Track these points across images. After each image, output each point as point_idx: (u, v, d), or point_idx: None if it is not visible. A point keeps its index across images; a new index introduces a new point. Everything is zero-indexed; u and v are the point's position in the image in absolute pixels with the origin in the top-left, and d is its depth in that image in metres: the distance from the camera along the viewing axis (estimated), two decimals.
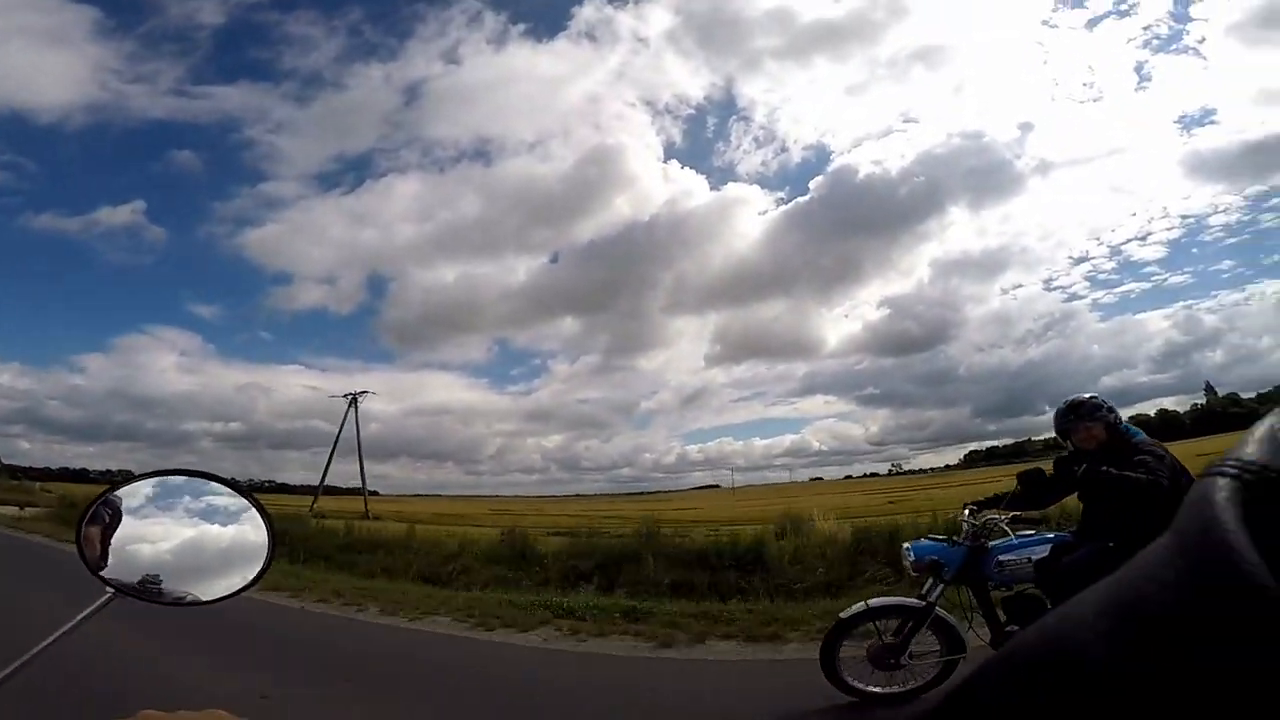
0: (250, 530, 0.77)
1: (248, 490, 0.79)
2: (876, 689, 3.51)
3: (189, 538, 0.76)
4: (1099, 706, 0.19)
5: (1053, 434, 3.75)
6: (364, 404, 31.77)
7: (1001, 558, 3.40)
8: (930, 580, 3.50)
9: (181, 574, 0.75)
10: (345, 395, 30.09)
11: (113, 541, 0.73)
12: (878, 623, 3.54)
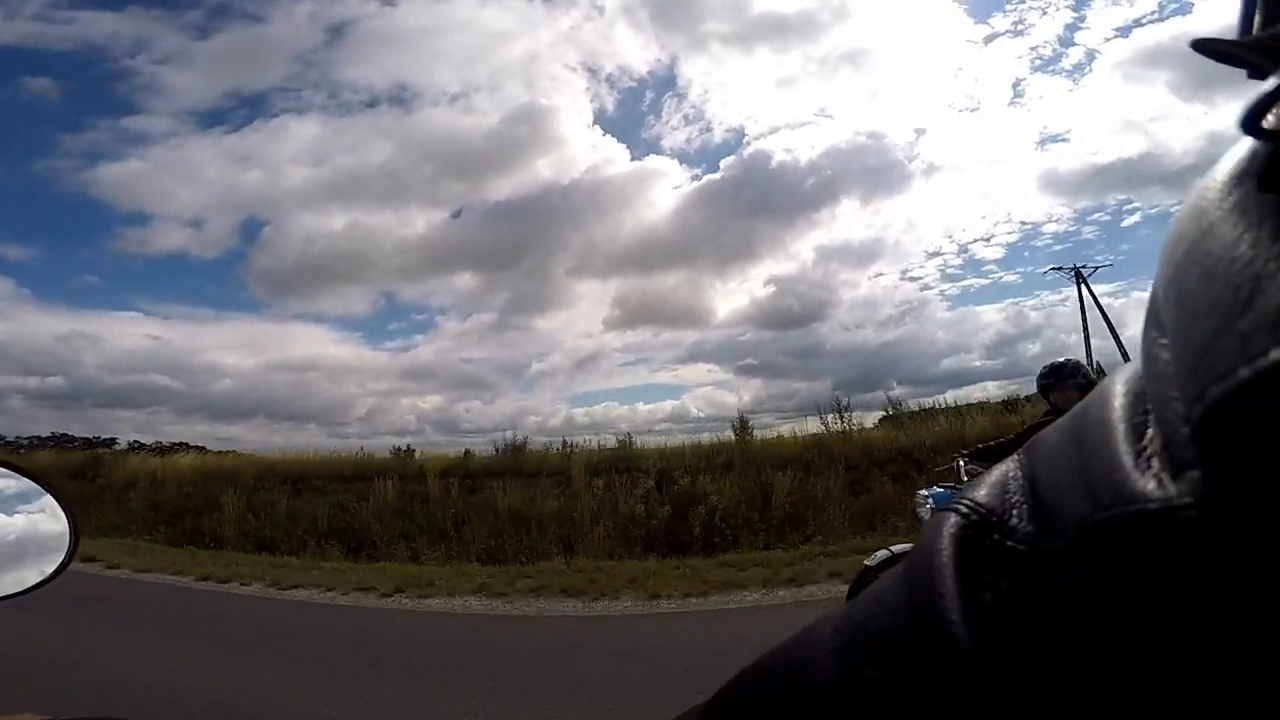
0: (36, 512, 0.68)
1: (41, 475, 0.69)
2: None
3: None
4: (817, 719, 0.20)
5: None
6: (213, 357, 27.12)
7: None
8: None
9: None
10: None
11: None
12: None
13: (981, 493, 0.22)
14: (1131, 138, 30.51)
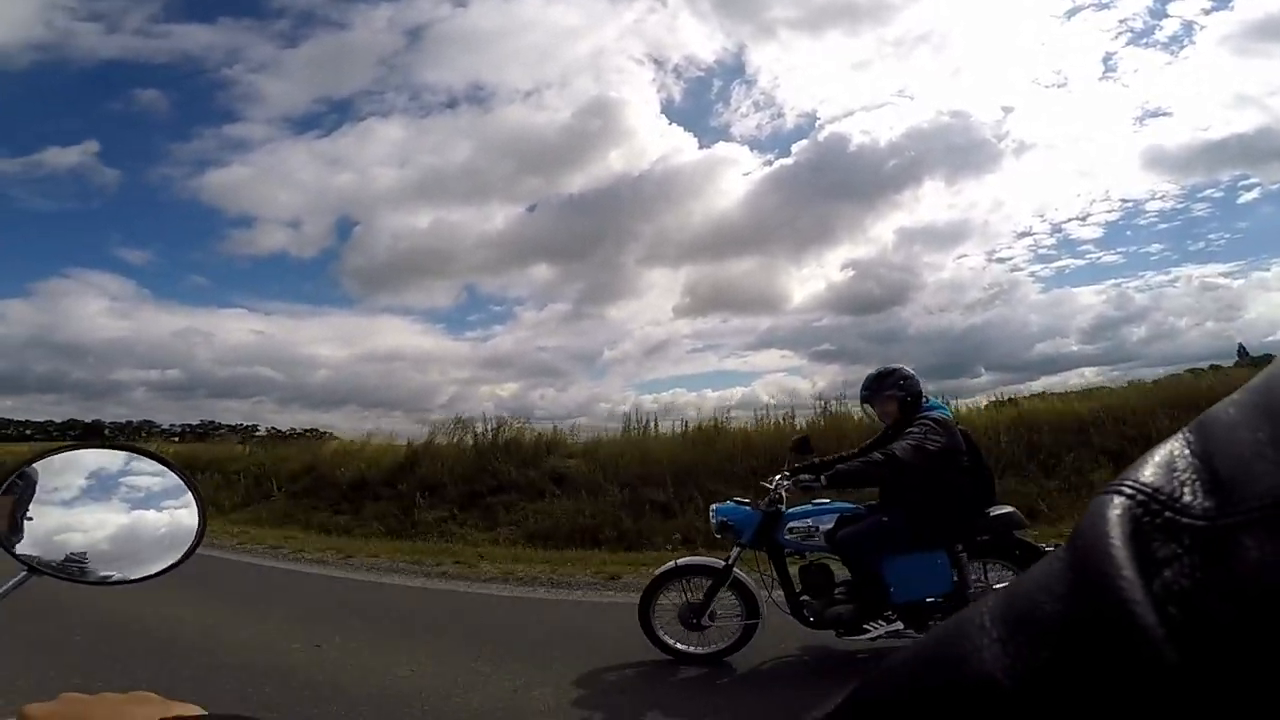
0: (178, 506, 0.75)
1: (180, 467, 0.75)
2: (685, 647, 3.61)
3: (115, 514, 0.74)
4: (989, 713, 0.19)
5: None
6: (310, 350, 30.99)
7: (792, 524, 3.51)
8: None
9: (104, 551, 0.73)
10: None
11: (31, 517, 0.70)
12: (687, 581, 3.68)
13: (1145, 473, 0.21)
14: (1246, 112, 27.22)
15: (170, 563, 0.72)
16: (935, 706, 0.20)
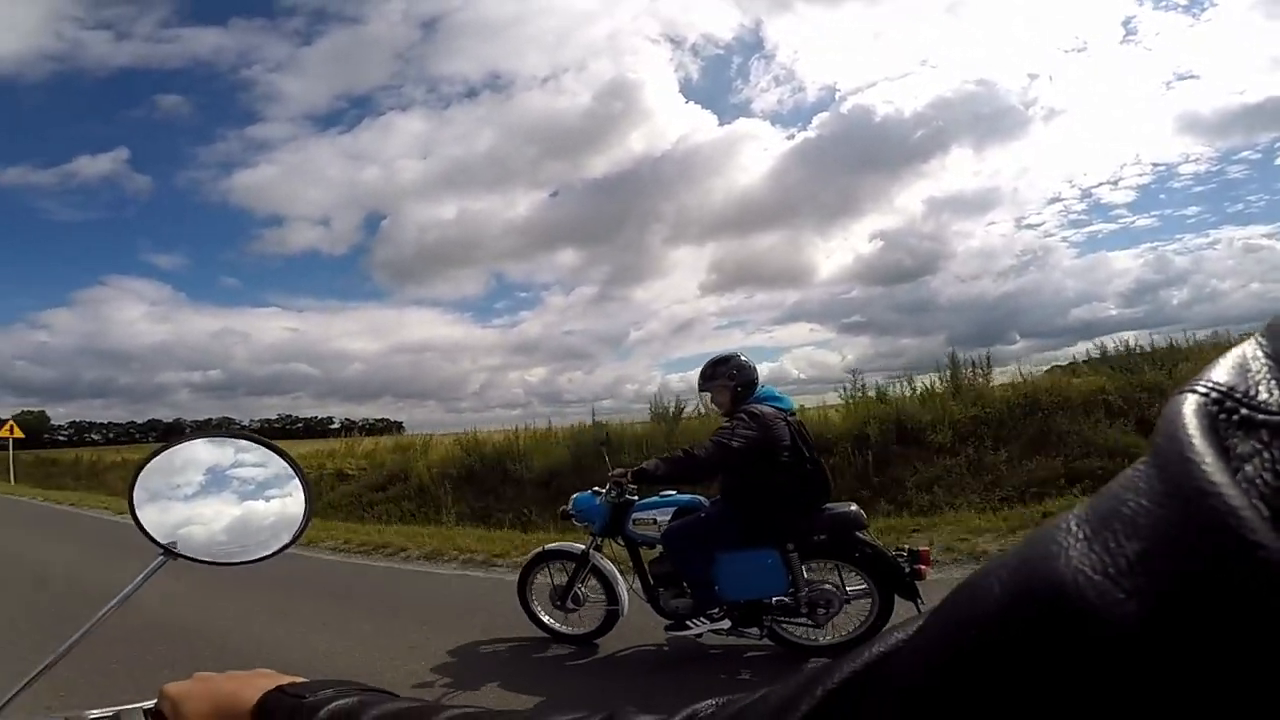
0: (289, 491, 0.79)
1: (288, 453, 0.80)
2: (558, 626, 3.80)
3: (234, 499, 0.79)
4: (1079, 604, 0.18)
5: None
6: (343, 344, 32.19)
7: (636, 515, 3.53)
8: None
9: (225, 534, 0.78)
10: None
11: (164, 505, 0.76)
12: (553, 565, 3.83)
13: (1218, 373, 0.21)
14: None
15: (281, 545, 0.78)
16: (1025, 604, 0.20)
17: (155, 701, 0.55)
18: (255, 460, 0.80)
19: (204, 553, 0.76)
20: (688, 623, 3.27)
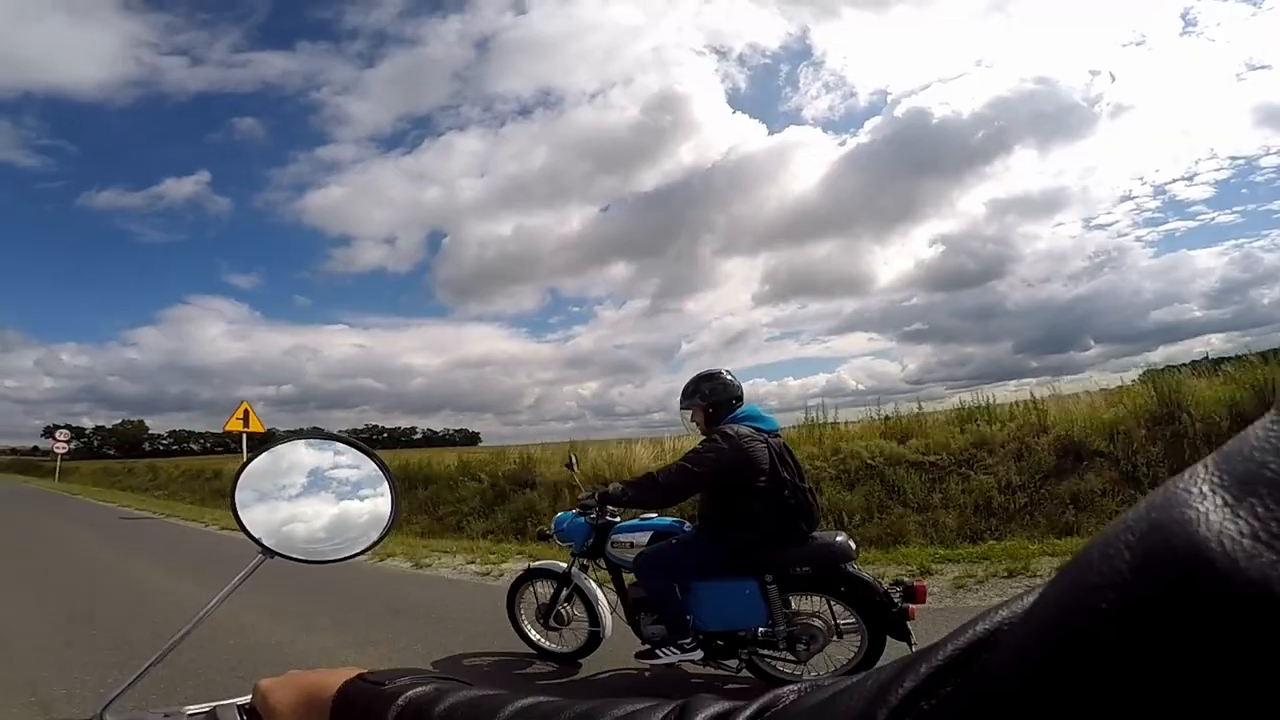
0: (380, 492, 0.82)
1: (376, 454, 0.83)
2: (544, 644, 3.76)
3: (332, 499, 0.82)
4: (1226, 572, 0.17)
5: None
6: (407, 360, 32.72)
7: (615, 538, 3.42)
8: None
9: (324, 532, 0.81)
10: None
11: (269, 505, 0.78)
12: (537, 584, 3.78)
13: None
14: None
15: (371, 542, 0.80)
16: (1165, 568, 0.18)
17: (249, 697, 0.58)
18: (350, 462, 0.83)
19: (300, 551, 0.78)
20: (658, 651, 3.14)
